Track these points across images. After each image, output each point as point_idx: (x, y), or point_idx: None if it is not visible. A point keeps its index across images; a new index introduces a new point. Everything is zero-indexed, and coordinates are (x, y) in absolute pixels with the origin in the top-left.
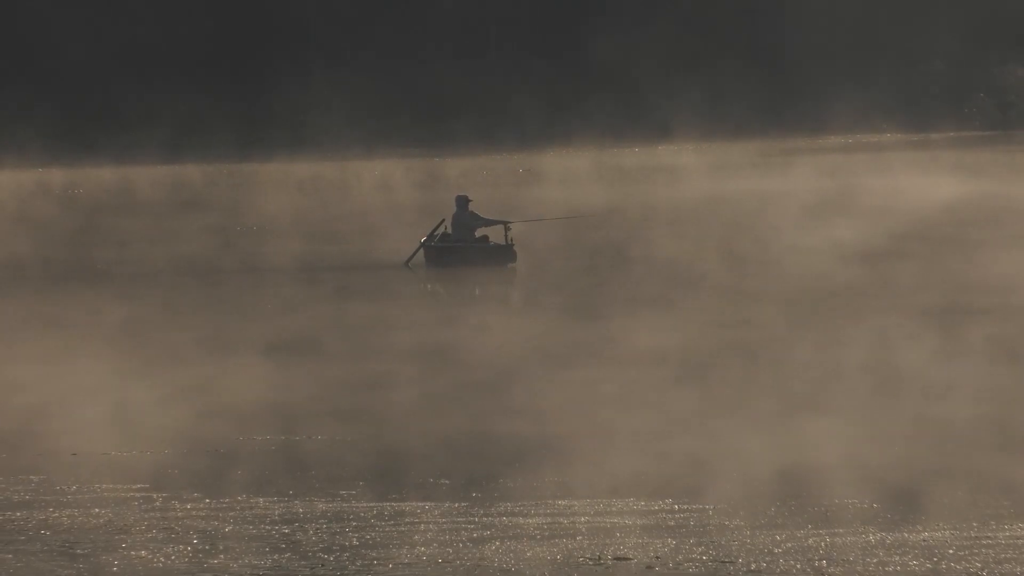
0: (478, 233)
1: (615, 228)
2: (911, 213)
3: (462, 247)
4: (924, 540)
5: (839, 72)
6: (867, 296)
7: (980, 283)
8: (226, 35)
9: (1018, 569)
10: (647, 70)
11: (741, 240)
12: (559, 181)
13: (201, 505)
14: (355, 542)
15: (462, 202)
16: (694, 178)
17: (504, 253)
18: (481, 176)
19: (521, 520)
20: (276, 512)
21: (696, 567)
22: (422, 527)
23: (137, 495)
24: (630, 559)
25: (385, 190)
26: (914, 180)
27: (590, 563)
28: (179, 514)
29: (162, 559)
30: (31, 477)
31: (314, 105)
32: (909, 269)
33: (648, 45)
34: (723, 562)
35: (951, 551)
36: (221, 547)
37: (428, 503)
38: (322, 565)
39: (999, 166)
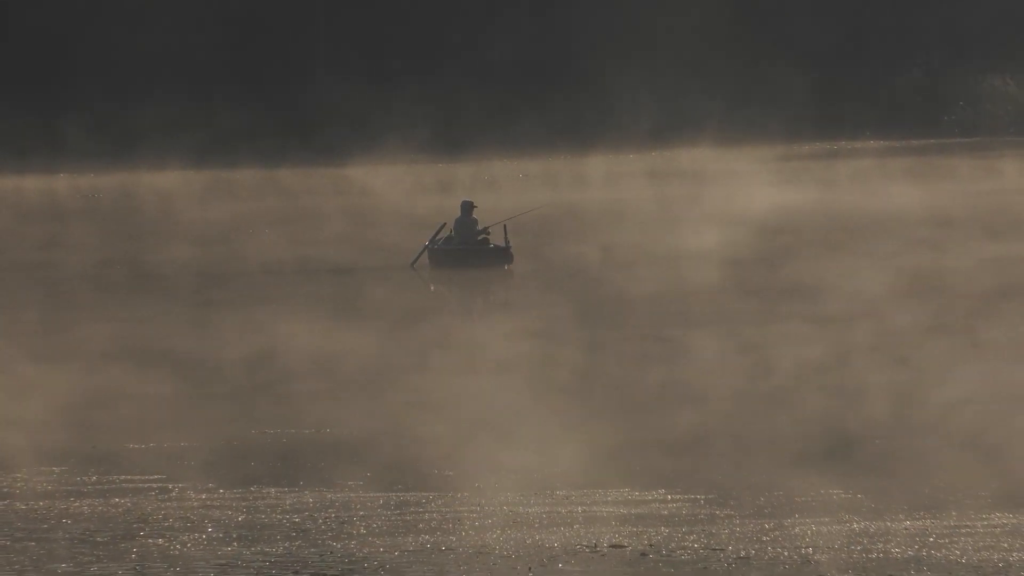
0: (480, 235)
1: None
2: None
3: (463, 249)
4: (906, 528)
5: (824, 76)
6: (727, 300)
7: (823, 289)
8: (238, 44)
9: (996, 556)
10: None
11: (638, 245)
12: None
13: (215, 495)
14: (362, 530)
15: (467, 207)
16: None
17: (502, 255)
18: (483, 181)
19: (521, 509)
20: (287, 502)
21: (688, 554)
22: (426, 516)
23: (154, 486)
24: (625, 547)
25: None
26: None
27: (587, 551)
28: (194, 504)
29: (178, 547)
30: (53, 468)
31: (322, 112)
32: (769, 274)
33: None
34: (714, 549)
35: (932, 539)
36: (235, 535)
37: (432, 493)
38: (331, 553)
39: (944, 172)
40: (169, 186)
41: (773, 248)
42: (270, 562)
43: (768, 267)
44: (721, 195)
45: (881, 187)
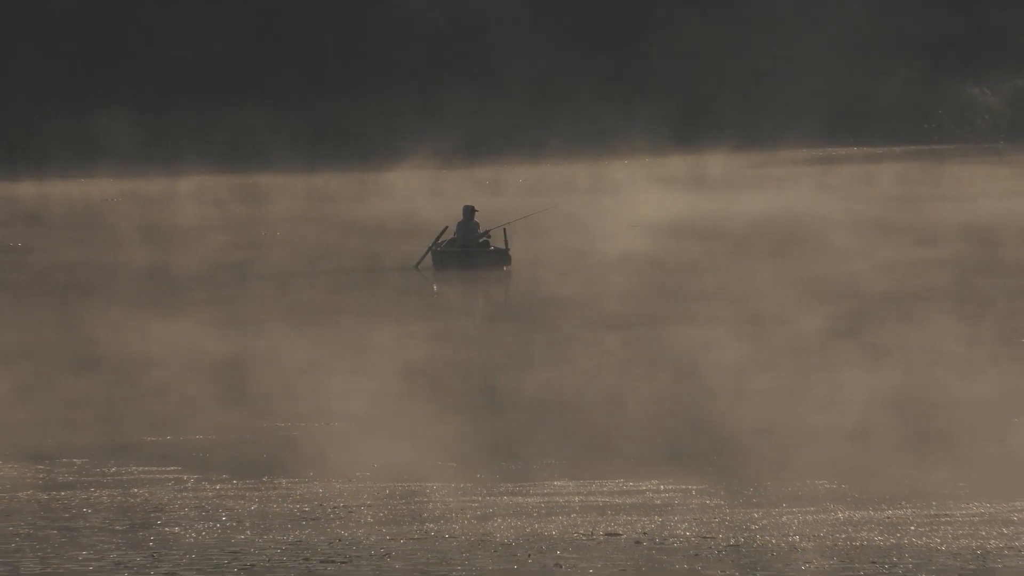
0: (481, 238)
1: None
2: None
3: (463, 251)
4: (888, 518)
5: (805, 85)
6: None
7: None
8: (249, 53)
9: (974, 544)
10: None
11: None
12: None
13: (229, 485)
14: (369, 519)
15: (468, 211)
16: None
17: (501, 256)
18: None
19: (520, 500)
20: (297, 491)
21: (680, 542)
22: (430, 505)
23: (170, 477)
24: (620, 535)
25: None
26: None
27: (583, 539)
28: (209, 494)
29: (193, 535)
30: (74, 460)
31: (329, 119)
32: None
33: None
34: (705, 538)
35: (912, 528)
36: (247, 524)
37: (435, 484)
38: (339, 540)
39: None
40: (187, 190)
41: (776, 249)
42: (281, 549)
43: (737, 271)
44: (718, 198)
45: (859, 192)
